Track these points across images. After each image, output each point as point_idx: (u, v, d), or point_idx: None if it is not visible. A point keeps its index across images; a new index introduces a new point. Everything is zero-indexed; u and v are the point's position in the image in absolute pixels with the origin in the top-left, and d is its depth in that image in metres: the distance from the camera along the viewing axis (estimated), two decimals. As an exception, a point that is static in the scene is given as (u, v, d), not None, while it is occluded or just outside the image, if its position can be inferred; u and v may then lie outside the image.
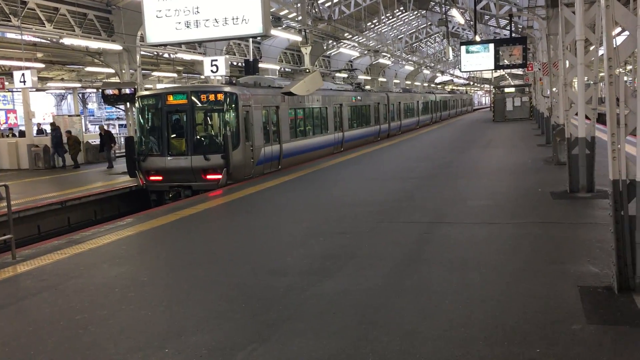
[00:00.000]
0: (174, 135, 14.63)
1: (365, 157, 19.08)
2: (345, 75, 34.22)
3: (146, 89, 18.76)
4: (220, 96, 14.28)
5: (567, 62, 10.42)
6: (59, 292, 6.09)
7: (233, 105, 14.32)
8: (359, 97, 25.64)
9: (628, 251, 5.00)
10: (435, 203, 10.02)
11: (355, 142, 24.49)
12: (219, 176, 13.82)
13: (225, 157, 13.80)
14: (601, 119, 18.90)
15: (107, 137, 21.42)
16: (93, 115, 59.73)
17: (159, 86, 28.59)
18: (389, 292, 5.51)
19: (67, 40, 17.83)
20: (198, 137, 14.62)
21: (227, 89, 14.64)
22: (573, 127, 10.03)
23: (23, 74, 17.31)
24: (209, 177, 14.03)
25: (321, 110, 20.82)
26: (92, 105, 59.74)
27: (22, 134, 23.00)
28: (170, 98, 14.42)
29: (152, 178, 14.49)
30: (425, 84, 66.53)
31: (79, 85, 33.09)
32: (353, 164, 16.97)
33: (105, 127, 23.43)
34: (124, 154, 15.53)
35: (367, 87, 35.27)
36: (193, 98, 14.34)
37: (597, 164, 9.96)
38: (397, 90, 39.88)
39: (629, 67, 32.92)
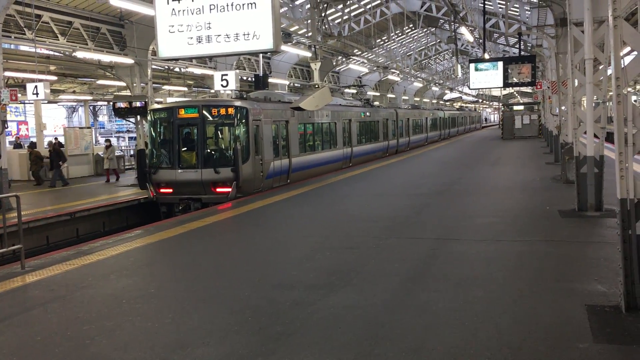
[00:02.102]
0: (185, 148, 14.82)
1: (373, 172, 19.10)
2: (355, 91, 34.40)
3: (157, 102, 18.94)
4: (231, 110, 14.47)
5: (576, 80, 10.45)
6: (67, 302, 6.13)
7: (243, 120, 14.51)
8: (367, 113, 25.78)
9: (635, 270, 4.99)
10: (442, 220, 10.01)
11: (364, 157, 24.59)
12: (229, 189, 13.93)
13: (235, 171, 13.91)
14: (610, 138, 18.85)
15: (54, 154, 19.55)
16: (103, 128, 60.29)
17: (169, 100, 28.83)
18: (395, 307, 5.51)
19: (80, 54, 18.05)
20: (208, 150, 14.81)
21: (238, 103, 14.83)
22: (582, 145, 10.03)
23: (36, 86, 17.49)
24: (218, 190, 14.15)
25: (330, 125, 20.97)
26: (103, 117, 60.31)
27: (33, 145, 23.14)
28: (182, 112, 14.62)
29: (162, 190, 14.63)
30: (434, 101, 66.66)
31: (90, 97, 33.42)
32: (361, 180, 16.99)
33: (54, 142, 21.11)
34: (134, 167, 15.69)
35: (376, 103, 35.41)
36: (204, 112, 14.52)
37: (606, 183, 9.93)
38: (406, 106, 39.99)
39: (638, 87, 32.88)
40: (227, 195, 13.92)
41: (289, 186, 16.11)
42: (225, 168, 14.07)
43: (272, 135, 15.93)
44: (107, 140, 23.22)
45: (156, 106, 16.03)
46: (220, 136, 15.18)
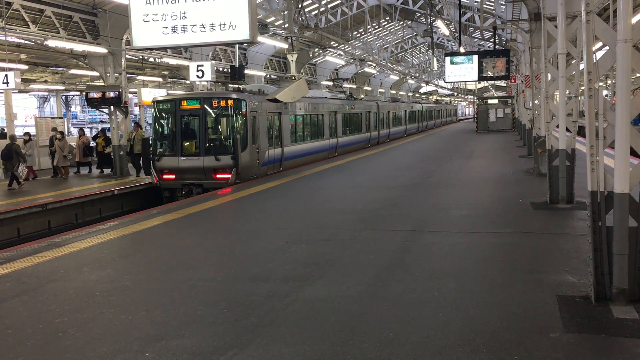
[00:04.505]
0: (187, 137, 15.82)
1: (352, 164, 19.25)
2: (331, 83, 34.46)
3: (131, 93, 18.81)
4: (230, 102, 15.55)
5: (549, 75, 10.59)
6: (39, 295, 6.04)
7: (242, 111, 15.63)
8: (351, 106, 26.85)
9: (605, 261, 5.08)
10: (417, 212, 10.09)
11: (348, 147, 25.74)
12: (228, 175, 15.01)
13: (235, 158, 15.03)
14: (581, 131, 19.15)
15: None
16: (76, 118, 59.21)
17: (144, 90, 28.43)
18: (370, 299, 5.54)
19: (51, 42, 17.69)
20: (209, 139, 15.83)
21: (237, 95, 15.90)
22: (554, 139, 10.18)
23: (6, 75, 17.14)
24: (218, 176, 15.21)
25: (318, 117, 22.13)
26: (76, 108, 59.22)
27: (2, 135, 22.63)
28: (184, 103, 15.68)
29: (165, 177, 15.67)
30: (410, 94, 66.98)
31: (62, 87, 32.85)
32: (341, 171, 17.18)
33: None
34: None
35: (363, 96, 35.72)
36: (205, 104, 15.58)
37: (577, 176, 10.11)
38: (386, 99, 40.29)
39: (609, 82, 33.46)
40: (226, 181, 14.93)
41: (276, 175, 16.70)
42: (225, 156, 15.15)
43: (267, 125, 17.04)
44: (26, 134, 19.66)
45: (160, 98, 17.01)
46: (220, 126, 16.10)
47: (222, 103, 15.57)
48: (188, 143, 15.68)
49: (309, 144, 21.10)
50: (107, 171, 20.20)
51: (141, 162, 18.32)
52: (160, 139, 16.10)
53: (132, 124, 19.96)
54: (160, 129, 16.20)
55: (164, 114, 16.10)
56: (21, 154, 16.46)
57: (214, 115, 15.82)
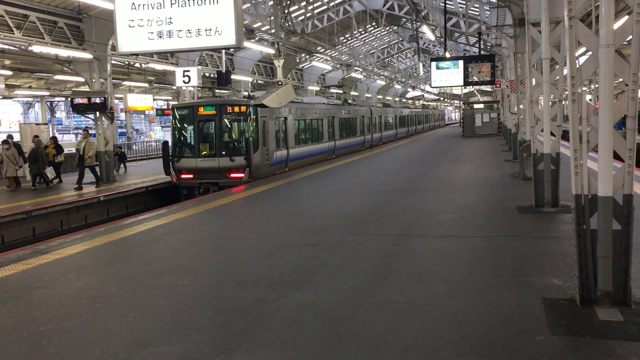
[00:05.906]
0: (204, 140, 17.21)
1: (344, 167, 19.58)
2: (318, 88, 34.61)
3: (117, 99, 18.76)
4: (243, 108, 17.03)
5: (534, 80, 10.68)
6: (23, 303, 5.98)
7: (254, 116, 17.02)
8: (348, 111, 28.46)
9: (590, 264, 5.13)
10: (404, 216, 10.12)
11: (345, 150, 27.24)
12: (242, 175, 16.34)
13: (248, 159, 16.42)
14: (566, 135, 19.32)
15: None
16: (61, 125, 58.78)
17: (130, 96, 28.29)
18: (358, 304, 5.55)
19: (36, 48, 17.55)
20: (224, 142, 17.18)
21: (249, 102, 17.25)
22: (539, 143, 10.26)
23: (-10, 81, 16.98)
24: (233, 175, 16.55)
25: (318, 122, 23.63)
26: (61, 114, 58.81)
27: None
28: (202, 109, 17.12)
29: (183, 176, 17.00)
30: (397, 99, 67.25)
31: (47, 93, 32.56)
32: (332, 174, 17.47)
33: None
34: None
35: (350, 101, 36.10)
36: (221, 110, 17.02)
37: (562, 180, 10.20)
38: (379, 105, 40.73)
39: (592, 86, 33.79)
40: (240, 179, 16.25)
41: (279, 176, 17.52)
42: (239, 157, 16.56)
43: (275, 129, 18.46)
44: None
45: (179, 104, 18.51)
46: (234, 130, 17.48)
47: (236, 109, 16.99)
48: (205, 145, 17.03)
49: (310, 146, 22.56)
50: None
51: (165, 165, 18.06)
52: (179, 142, 17.39)
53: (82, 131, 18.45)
54: (178, 134, 17.51)
55: (182, 120, 17.43)
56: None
57: (228, 120, 17.21)
